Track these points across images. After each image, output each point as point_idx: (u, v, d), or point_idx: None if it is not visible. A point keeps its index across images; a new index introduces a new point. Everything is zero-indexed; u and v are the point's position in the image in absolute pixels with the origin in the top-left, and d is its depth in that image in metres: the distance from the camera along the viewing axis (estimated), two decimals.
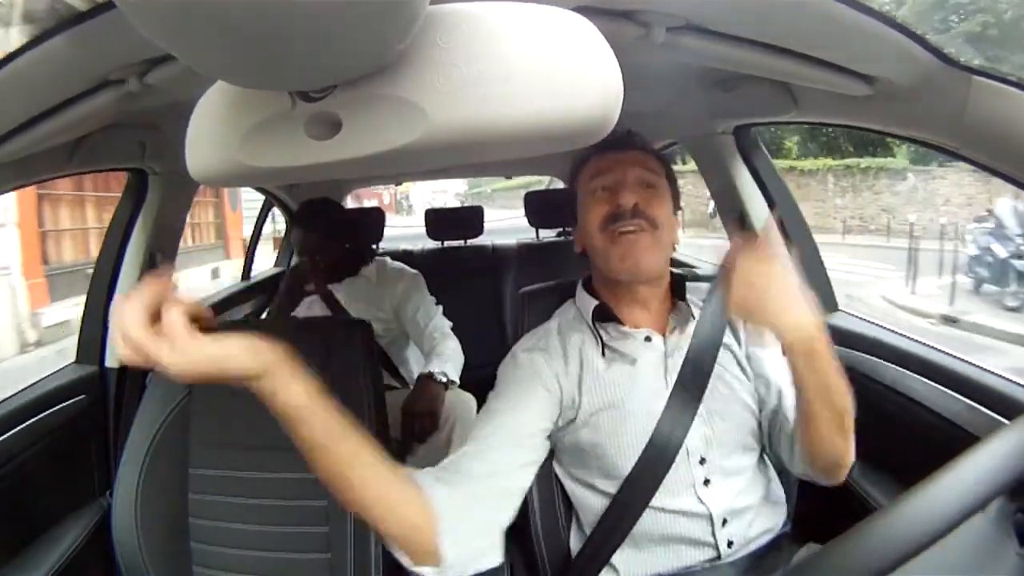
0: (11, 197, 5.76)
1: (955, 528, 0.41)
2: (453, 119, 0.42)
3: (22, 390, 1.14)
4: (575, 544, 0.89)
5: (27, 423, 1.07)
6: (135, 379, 1.32)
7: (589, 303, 0.90)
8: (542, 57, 0.41)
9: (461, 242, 2.67)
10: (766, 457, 0.89)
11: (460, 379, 1.55)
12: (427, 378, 1.48)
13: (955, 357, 0.98)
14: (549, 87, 0.41)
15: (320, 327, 1.19)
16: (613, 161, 0.87)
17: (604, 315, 0.88)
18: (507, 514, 0.74)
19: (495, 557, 0.70)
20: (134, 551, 0.95)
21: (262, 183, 1.83)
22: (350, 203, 3.18)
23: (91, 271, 1.35)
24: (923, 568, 0.40)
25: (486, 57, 0.41)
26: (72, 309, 5.58)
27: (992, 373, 0.90)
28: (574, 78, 0.42)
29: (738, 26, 0.69)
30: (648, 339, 0.87)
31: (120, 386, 1.30)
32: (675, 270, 0.93)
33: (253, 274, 2.52)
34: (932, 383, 0.97)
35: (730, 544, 0.82)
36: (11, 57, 0.62)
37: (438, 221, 2.70)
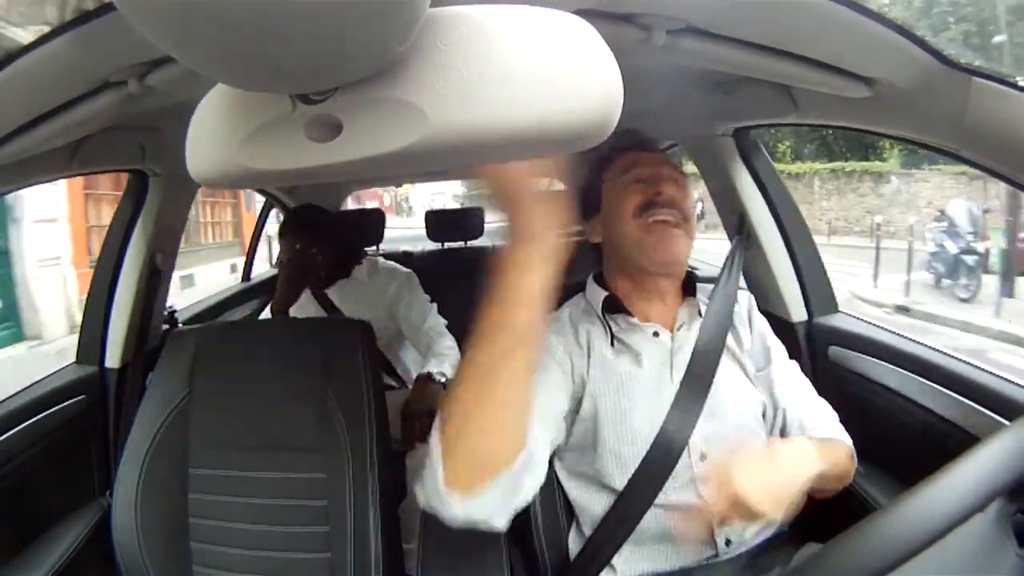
0: (62, 195, 6.42)
1: (955, 528, 0.41)
2: (453, 121, 0.42)
3: (22, 390, 1.14)
4: (575, 545, 0.89)
5: (27, 423, 1.07)
6: (135, 379, 1.32)
7: (599, 294, 0.92)
8: (542, 60, 0.42)
9: (461, 243, 2.67)
10: None
11: None
12: (426, 378, 1.48)
13: (955, 358, 0.98)
14: (549, 90, 0.41)
15: (320, 327, 1.19)
16: (647, 158, 0.91)
17: (614, 307, 0.90)
18: (533, 486, 0.71)
19: (502, 521, 0.67)
20: (134, 551, 0.95)
21: (262, 185, 1.83)
22: (351, 205, 3.18)
23: None
24: (923, 568, 0.41)
25: (486, 60, 0.41)
26: None
27: (992, 373, 0.90)
28: (574, 81, 0.42)
29: (738, 28, 0.69)
30: (656, 334, 0.88)
31: (120, 386, 1.30)
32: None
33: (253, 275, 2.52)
34: (932, 383, 0.97)
35: (728, 543, 0.82)
36: (12, 58, 0.62)
37: (438, 222, 2.70)
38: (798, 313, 1.28)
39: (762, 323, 0.98)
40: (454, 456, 0.62)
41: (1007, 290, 6.58)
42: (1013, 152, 0.68)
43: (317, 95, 0.44)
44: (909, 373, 1.02)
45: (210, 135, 0.50)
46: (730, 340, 0.90)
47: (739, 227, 1.29)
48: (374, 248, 2.59)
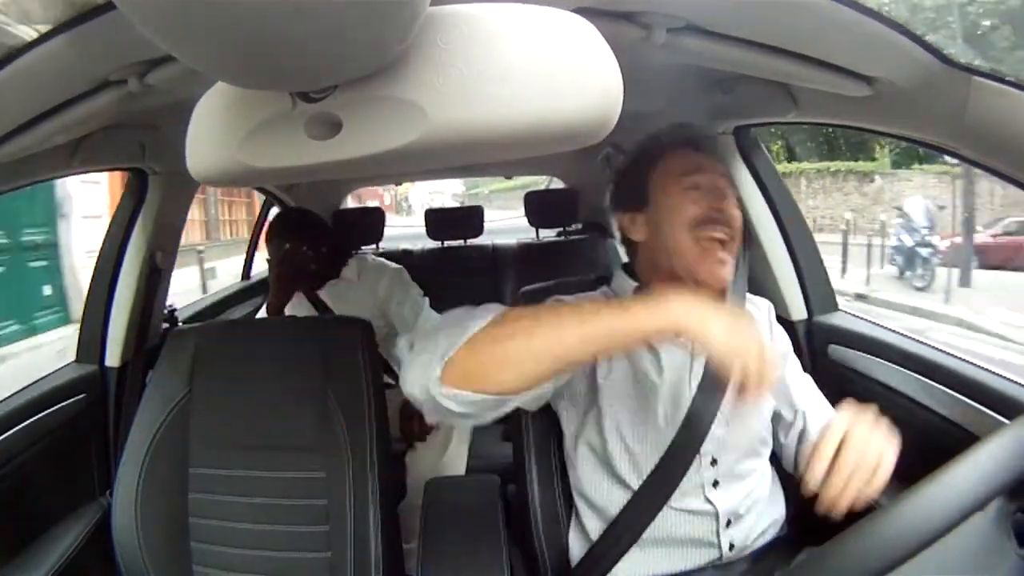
0: (104, 191, 6.60)
1: (955, 528, 0.41)
2: (453, 119, 0.42)
3: (22, 389, 1.14)
4: (575, 544, 0.89)
5: (27, 423, 1.07)
6: (135, 379, 1.32)
7: (628, 285, 0.90)
8: (542, 58, 0.42)
9: (461, 242, 2.67)
10: (769, 461, 0.90)
11: None
12: None
13: (956, 356, 0.98)
14: (549, 88, 0.41)
15: (320, 326, 1.19)
16: (706, 163, 0.85)
17: None
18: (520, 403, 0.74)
19: (471, 421, 0.72)
20: (134, 551, 0.95)
21: (262, 183, 1.83)
22: (351, 203, 3.18)
23: None
24: (923, 568, 0.41)
25: (486, 58, 0.41)
26: None
27: (992, 373, 0.90)
28: (574, 79, 0.42)
29: (738, 27, 0.69)
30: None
31: (120, 386, 1.30)
32: None
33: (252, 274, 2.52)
34: (932, 382, 0.97)
35: (731, 547, 0.82)
36: (12, 57, 0.62)
37: (438, 221, 2.70)
38: (798, 312, 1.28)
39: (780, 331, 0.97)
40: (462, 364, 0.66)
41: (966, 280, 7.52)
42: (1013, 150, 0.68)
43: (317, 93, 0.44)
44: (909, 372, 1.02)
45: (210, 133, 0.50)
46: None
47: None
48: (374, 247, 2.59)
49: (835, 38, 0.68)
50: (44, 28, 0.58)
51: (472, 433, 1.60)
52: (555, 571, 0.91)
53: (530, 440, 0.94)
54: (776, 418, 0.90)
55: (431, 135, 0.42)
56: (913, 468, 0.71)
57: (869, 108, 0.79)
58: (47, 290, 6.37)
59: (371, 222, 2.58)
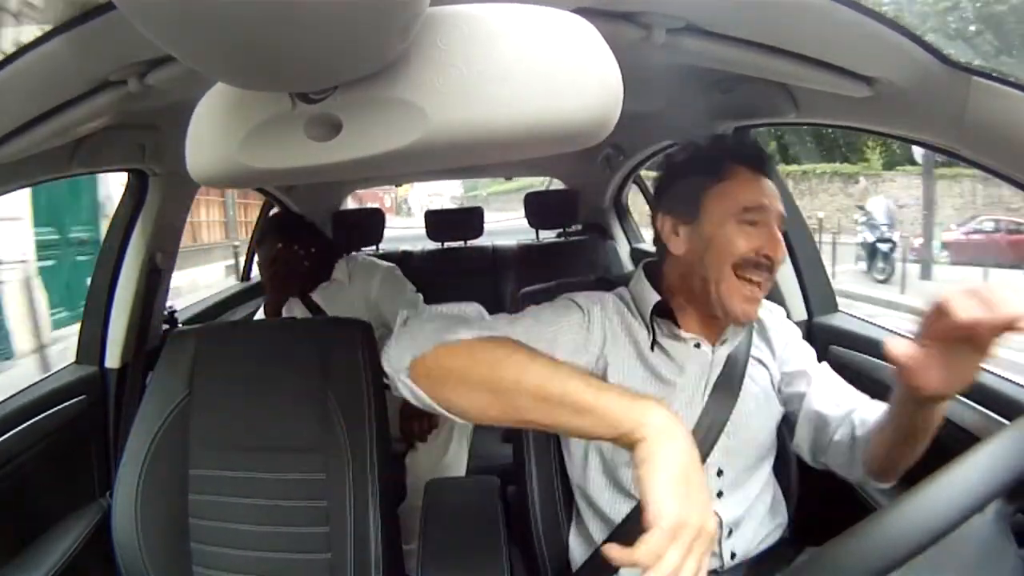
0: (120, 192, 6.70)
1: (955, 529, 0.41)
2: (453, 120, 0.42)
3: (22, 390, 1.14)
4: (576, 545, 0.89)
5: (27, 423, 1.07)
6: (135, 379, 1.32)
7: (651, 297, 0.85)
8: (542, 58, 0.42)
9: (461, 243, 2.67)
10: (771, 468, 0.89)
11: None
12: None
13: None
14: (549, 88, 0.41)
15: (320, 327, 1.19)
16: (767, 192, 0.81)
17: (662, 313, 0.84)
18: None
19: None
20: (134, 551, 0.95)
21: (262, 184, 1.83)
22: (351, 205, 3.18)
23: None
24: (923, 568, 0.40)
25: (486, 58, 0.41)
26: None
27: (992, 373, 0.90)
28: (574, 79, 0.42)
29: (738, 27, 0.69)
30: (698, 345, 0.85)
31: (120, 386, 1.30)
32: None
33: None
34: None
35: (733, 556, 0.82)
36: (11, 58, 0.62)
37: (438, 222, 2.70)
38: (798, 312, 1.28)
39: (795, 332, 0.95)
40: (428, 366, 0.67)
41: (927, 274, 8.28)
42: (1013, 151, 0.68)
43: (317, 94, 0.44)
44: None
45: (210, 134, 0.50)
46: (763, 353, 0.88)
47: None
48: (373, 248, 2.59)
49: (835, 38, 0.68)
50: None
51: (472, 434, 1.60)
52: (555, 572, 0.91)
53: (530, 441, 0.94)
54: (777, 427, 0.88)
55: (431, 136, 0.42)
56: (913, 469, 0.72)
57: (869, 108, 0.79)
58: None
59: (371, 223, 2.58)
